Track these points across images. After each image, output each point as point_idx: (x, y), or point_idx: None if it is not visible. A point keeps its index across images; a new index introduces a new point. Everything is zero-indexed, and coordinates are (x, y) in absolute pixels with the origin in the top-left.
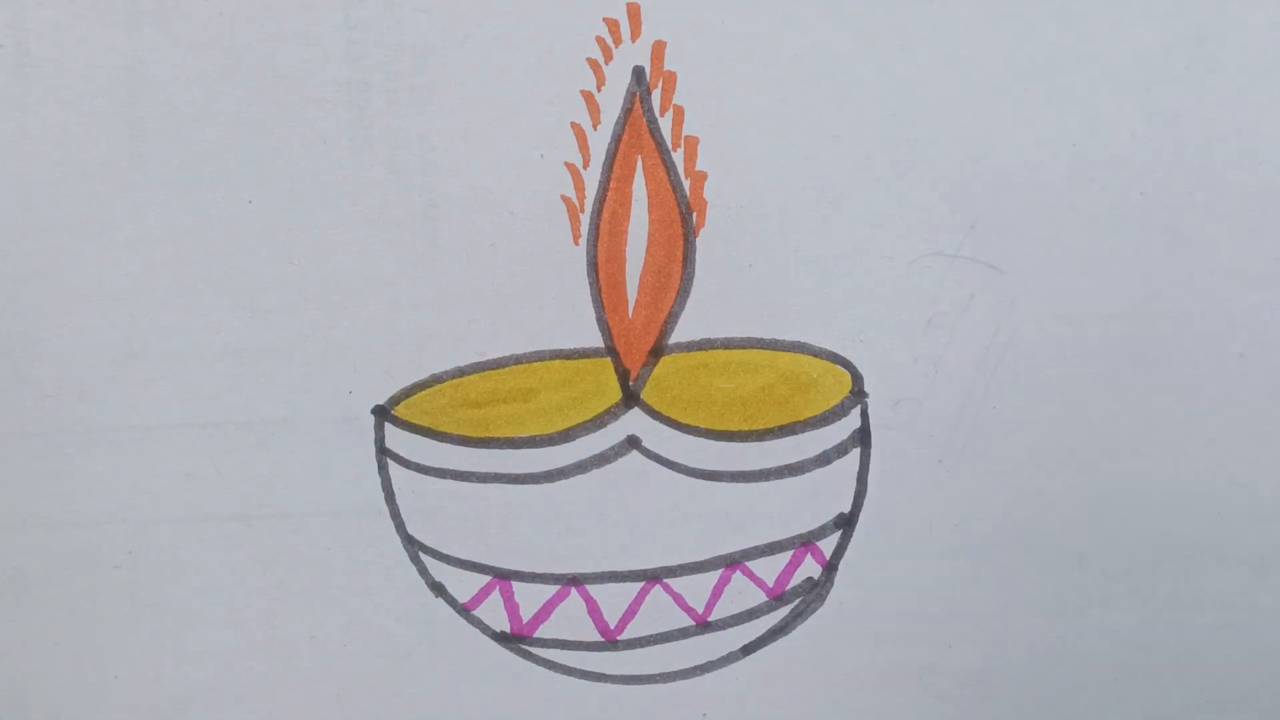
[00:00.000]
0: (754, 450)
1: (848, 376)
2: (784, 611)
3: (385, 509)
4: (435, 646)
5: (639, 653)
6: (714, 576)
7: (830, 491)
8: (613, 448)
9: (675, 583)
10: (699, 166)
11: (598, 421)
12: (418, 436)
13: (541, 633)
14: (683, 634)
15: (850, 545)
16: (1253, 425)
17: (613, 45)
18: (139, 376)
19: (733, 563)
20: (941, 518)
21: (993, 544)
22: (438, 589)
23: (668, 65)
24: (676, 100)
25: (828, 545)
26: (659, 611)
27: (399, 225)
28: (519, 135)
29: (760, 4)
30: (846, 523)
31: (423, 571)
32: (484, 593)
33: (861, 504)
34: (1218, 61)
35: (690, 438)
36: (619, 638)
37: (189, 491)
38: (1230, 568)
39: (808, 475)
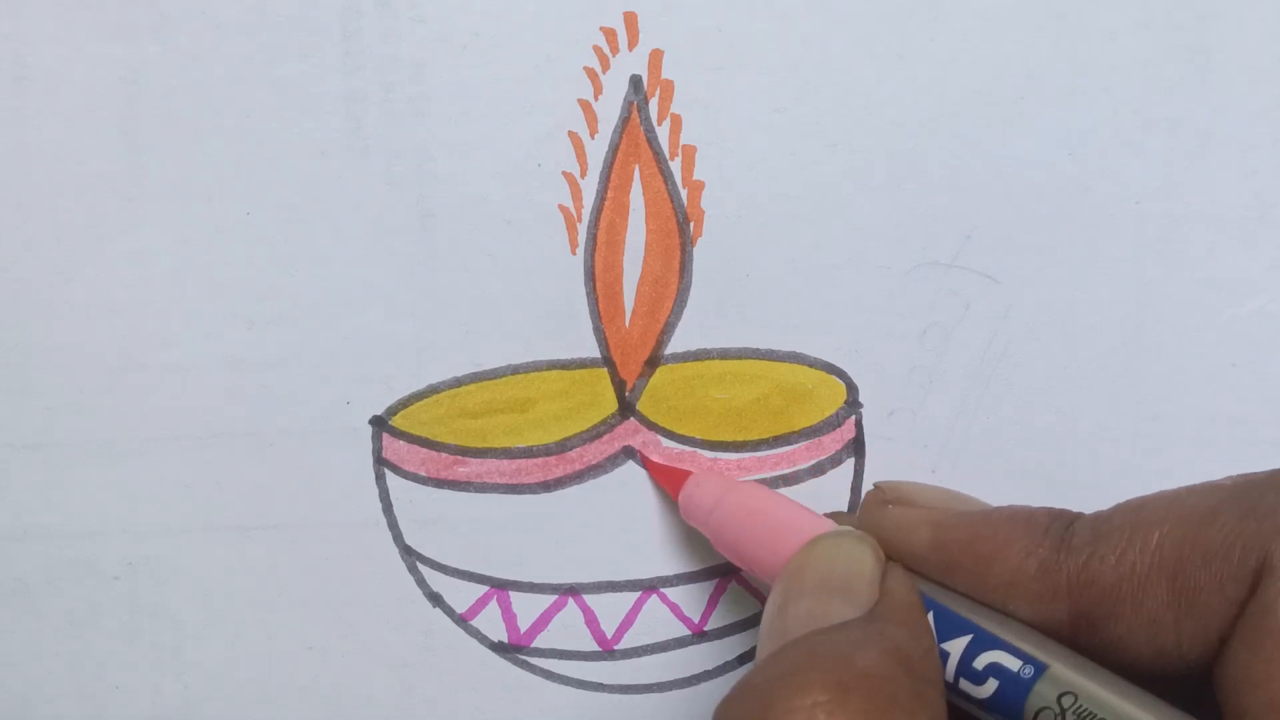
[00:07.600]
0: (749, 461)
1: (843, 386)
2: None
3: (383, 519)
4: (433, 656)
5: (636, 662)
6: (710, 586)
7: (825, 502)
8: (609, 458)
9: (671, 592)
10: (696, 175)
11: (594, 432)
12: (415, 446)
13: (539, 643)
14: (679, 643)
15: None
16: (1247, 435)
17: (610, 54)
18: (137, 387)
19: (728, 573)
20: None
21: None
22: (435, 599)
23: (665, 74)
24: (674, 109)
25: None
26: (655, 621)
27: (396, 235)
28: (516, 145)
29: (758, 13)
30: None
31: (420, 582)
32: (481, 603)
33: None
34: (1213, 71)
35: (686, 449)
36: (616, 647)
37: (187, 502)
38: None
39: (802, 485)
